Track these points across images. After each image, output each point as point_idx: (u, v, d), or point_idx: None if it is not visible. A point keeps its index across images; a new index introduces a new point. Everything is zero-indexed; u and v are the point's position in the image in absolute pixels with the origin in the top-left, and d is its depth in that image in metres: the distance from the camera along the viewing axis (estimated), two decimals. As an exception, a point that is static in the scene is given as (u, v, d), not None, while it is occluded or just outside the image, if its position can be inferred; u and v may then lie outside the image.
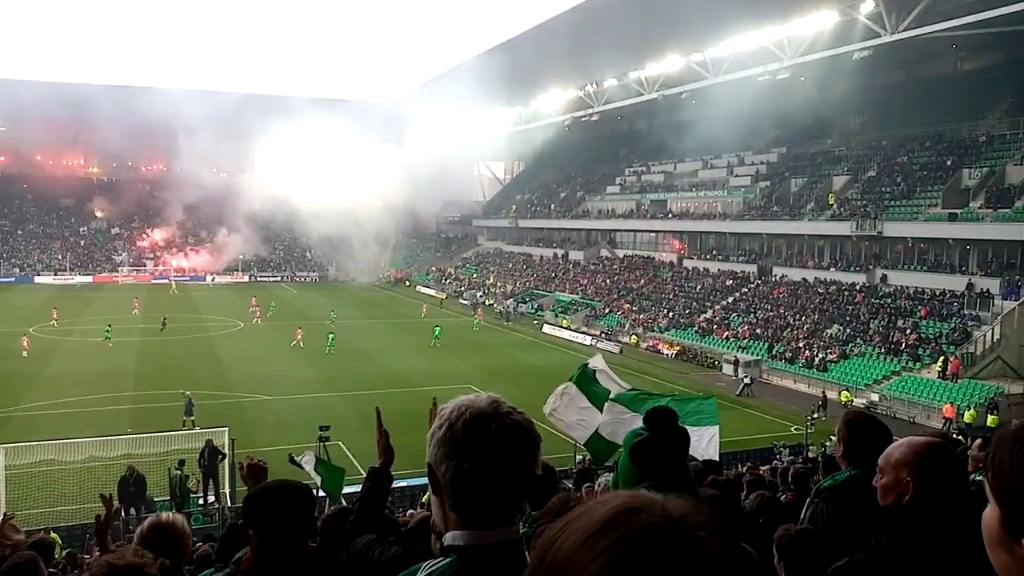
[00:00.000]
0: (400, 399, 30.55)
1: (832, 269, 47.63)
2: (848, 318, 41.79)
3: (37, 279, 78.17)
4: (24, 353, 37.90)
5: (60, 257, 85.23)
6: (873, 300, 42.38)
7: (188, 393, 27.68)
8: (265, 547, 2.53)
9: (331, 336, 42.61)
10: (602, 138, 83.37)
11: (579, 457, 20.70)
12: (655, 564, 0.76)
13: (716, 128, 57.57)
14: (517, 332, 54.01)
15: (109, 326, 44.28)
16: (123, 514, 18.73)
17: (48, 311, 50.36)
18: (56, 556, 9.79)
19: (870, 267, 45.26)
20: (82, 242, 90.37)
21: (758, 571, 0.82)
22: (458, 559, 1.49)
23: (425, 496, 12.02)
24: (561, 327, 54.85)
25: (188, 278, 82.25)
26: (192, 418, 26.03)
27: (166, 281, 78.85)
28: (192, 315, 55.37)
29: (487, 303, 65.51)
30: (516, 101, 76.28)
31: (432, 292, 75.23)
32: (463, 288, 75.05)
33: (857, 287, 44.39)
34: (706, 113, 62.68)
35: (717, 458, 12.70)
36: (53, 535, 11.23)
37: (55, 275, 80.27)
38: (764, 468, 15.62)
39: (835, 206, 49.32)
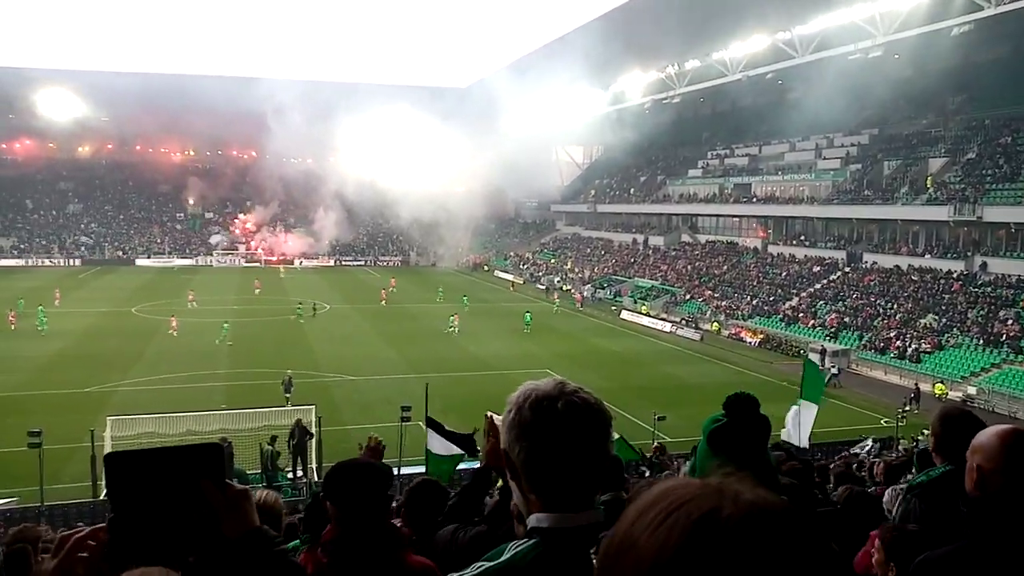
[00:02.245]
0: (478, 382, 31.09)
1: (927, 256, 45.53)
2: (944, 307, 39.92)
3: (137, 262, 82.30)
4: (172, 332, 40.10)
5: (159, 241, 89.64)
6: (971, 289, 40.34)
7: (289, 372, 28.87)
8: (343, 520, 2.67)
9: (451, 317, 44.73)
10: (684, 121, 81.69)
11: (655, 444, 20.57)
12: (692, 524, 0.78)
13: (803, 109, 55.59)
14: (594, 318, 53.79)
15: (300, 303, 47.92)
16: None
17: (151, 293, 53.09)
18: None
19: (968, 254, 43.05)
20: (179, 226, 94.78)
21: (799, 525, 0.80)
22: (541, 541, 1.50)
23: (499, 482, 11.96)
24: (639, 313, 54.33)
25: (277, 262, 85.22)
26: (289, 395, 27.17)
27: (258, 266, 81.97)
28: (291, 297, 57.33)
29: (564, 288, 65.42)
30: (596, 84, 75.46)
31: (510, 277, 75.68)
32: (540, 273, 75.16)
33: (954, 275, 42.32)
34: (793, 94, 60.66)
35: (805, 443, 12.48)
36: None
37: (149, 257, 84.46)
38: (843, 457, 15.23)
39: (931, 189, 47.04)
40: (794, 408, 14.59)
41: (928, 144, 52.89)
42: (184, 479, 1.52)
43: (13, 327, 39.63)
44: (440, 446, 11.11)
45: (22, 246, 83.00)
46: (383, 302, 55.19)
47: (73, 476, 20.08)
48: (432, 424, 11.32)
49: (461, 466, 12.88)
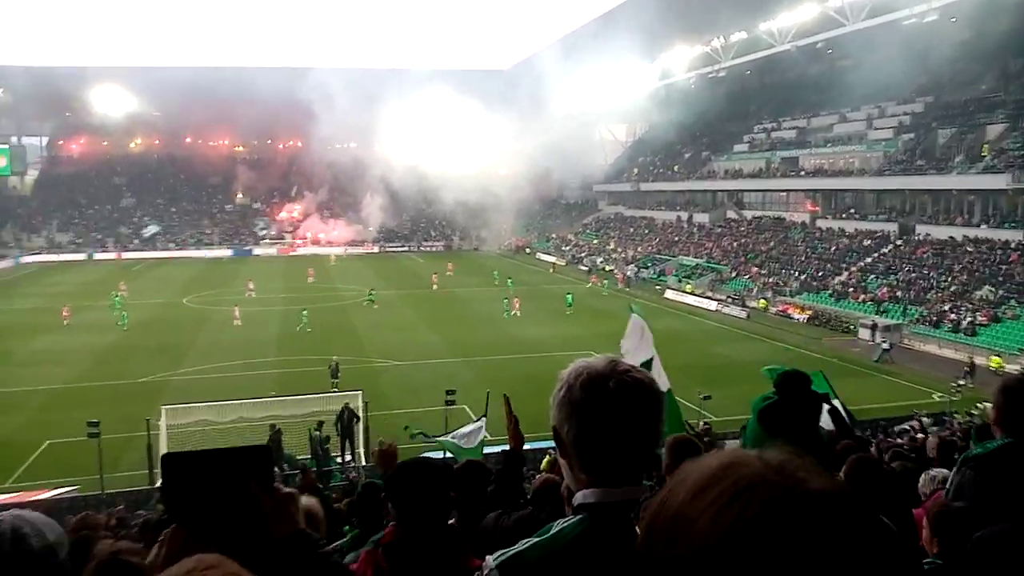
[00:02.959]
0: (522, 365, 31.13)
1: (983, 226, 44.00)
2: (1001, 279, 38.58)
3: (191, 253, 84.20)
4: (236, 322, 40.92)
5: (208, 232, 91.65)
6: (1032, 258, 38.90)
7: (335, 358, 29.33)
8: (405, 522, 2.64)
9: (505, 301, 45.04)
10: (729, 95, 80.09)
11: (703, 423, 20.35)
12: (760, 507, 0.76)
13: (854, 78, 54.08)
14: (638, 298, 53.31)
15: (372, 290, 48.89)
16: (270, 470, 20.15)
17: (202, 283, 54.22)
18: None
19: (1028, 222, 41.49)
20: (228, 217, 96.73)
21: (865, 511, 0.79)
22: (588, 516, 1.51)
23: (543, 462, 12.15)
24: (684, 292, 53.70)
25: (322, 250, 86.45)
26: (337, 380, 27.60)
27: (304, 254, 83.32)
28: (341, 285, 58.17)
29: (606, 268, 64.98)
30: (640, 61, 74.48)
31: (553, 259, 75.50)
32: (583, 254, 74.80)
33: (1012, 245, 40.86)
34: (843, 63, 59.06)
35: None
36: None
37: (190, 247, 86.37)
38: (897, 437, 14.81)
39: (989, 157, 45.36)
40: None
41: (986, 110, 50.95)
42: (234, 480, 1.61)
43: (67, 322, 40.72)
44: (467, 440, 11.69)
45: (79, 240, 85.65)
46: (434, 286, 55.51)
47: (130, 464, 20.72)
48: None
49: (488, 450, 13.15)
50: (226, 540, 1.51)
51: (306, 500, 4.26)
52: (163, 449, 21.22)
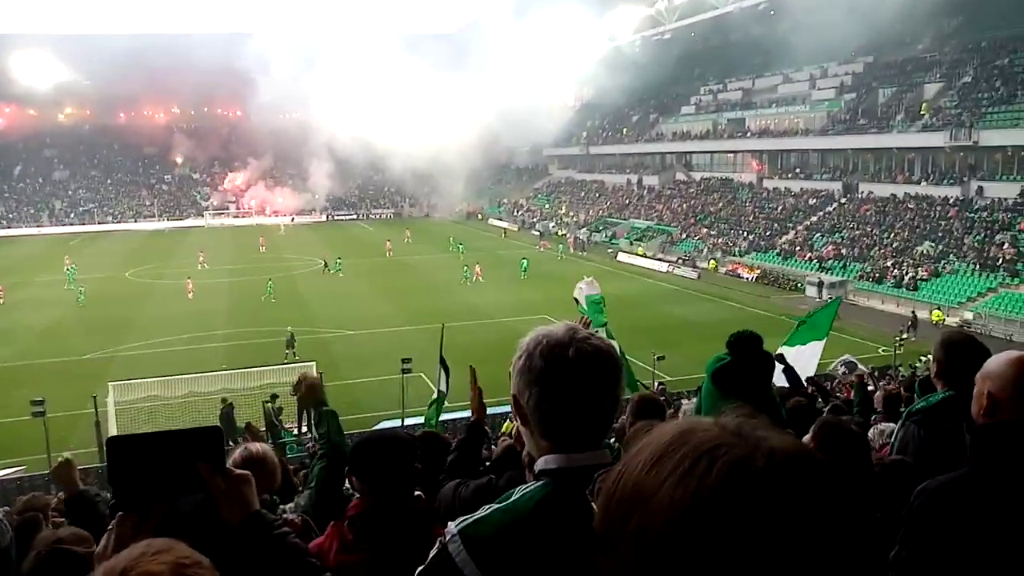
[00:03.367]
0: (478, 331, 31.17)
1: (923, 183, 45.28)
2: (940, 234, 39.88)
3: (128, 226, 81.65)
4: (189, 295, 40.05)
5: (148, 204, 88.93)
6: (968, 214, 40.24)
7: (290, 328, 28.95)
8: (371, 495, 2.63)
9: (465, 268, 44.77)
10: (675, 57, 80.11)
11: (657, 384, 20.71)
12: (721, 470, 0.74)
13: (796, 40, 54.49)
14: (591, 262, 53.73)
15: (339, 258, 47.97)
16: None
17: (144, 257, 52.79)
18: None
19: (964, 179, 42.81)
20: (167, 188, 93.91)
21: (825, 467, 0.78)
22: (551, 482, 1.51)
23: (504, 426, 12.31)
24: (636, 255, 54.27)
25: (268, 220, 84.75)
26: (293, 351, 27.29)
27: (249, 224, 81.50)
28: (292, 255, 57.13)
29: (559, 233, 65.17)
30: (585, 24, 73.96)
31: (504, 224, 75.37)
32: (535, 219, 74.82)
33: (950, 201, 42.18)
34: (785, 24, 59.35)
35: (812, 372, 12.62)
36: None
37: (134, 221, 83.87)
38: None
39: (927, 116, 46.51)
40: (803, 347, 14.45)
41: (923, 69, 52.15)
42: (183, 463, 1.54)
43: (1, 301, 39.19)
44: (442, 382, 11.97)
45: (10, 215, 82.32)
46: (388, 254, 54.95)
47: (78, 442, 20.19)
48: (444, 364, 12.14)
49: (445, 416, 13.26)
50: (177, 525, 1.45)
51: (257, 447, 4.17)
52: (111, 426, 20.76)
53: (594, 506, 1.33)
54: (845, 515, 0.75)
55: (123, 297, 41.07)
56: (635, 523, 0.77)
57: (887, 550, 2.33)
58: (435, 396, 12.61)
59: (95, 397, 19.82)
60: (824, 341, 13.18)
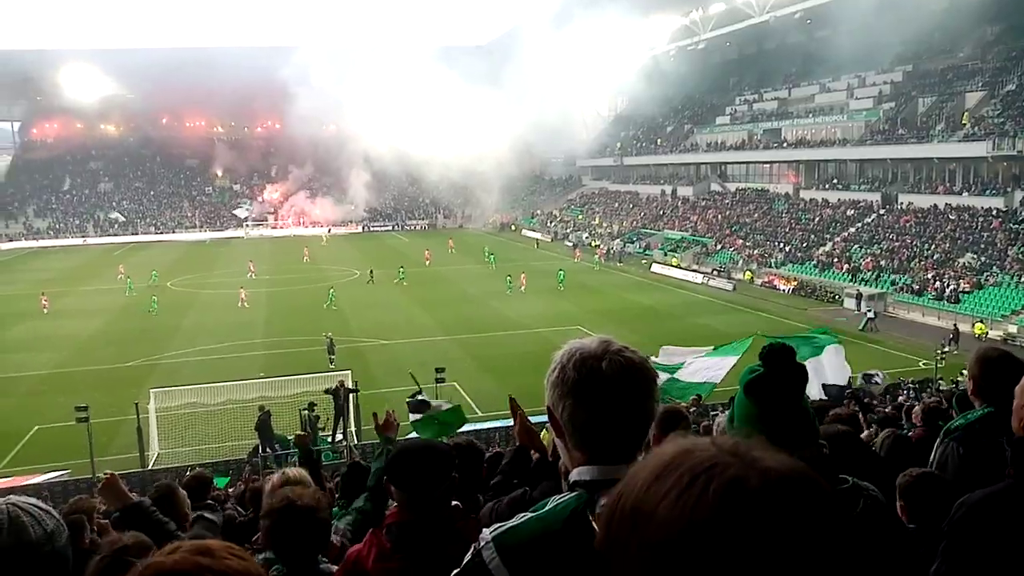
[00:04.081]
0: (512, 342, 31.25)
1: (965, 194, 44.36)
2: (983, 246, 39.01)
3: (171, 236, 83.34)
4: (242, 304, 40.78)
5: (189, 215, 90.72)
6: (1012, 225, 39.31)
7: (329, 334, 29.33)
8: (409, 504, 2.65)
9: (508, 278, 45.08)
10: (710, 67, 79.92)
11: (693, 397, 20.54)
12: (717, 489, 0.75)
13: (833, 48, 53.97)
14: (625, 273, 53.55)
15: (402, 267, 49.22)
16: (260, 451, 20.24)
17: (185, 267, 53.86)
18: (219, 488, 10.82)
19: (1008, 190, 41.87)
20: (208, 199, 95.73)
21: (820, 486, 0.79)
22: (585, 493, 1.52)
23: (541, 434, 12.17)
24: (670, 266, 53.93)
25: (306, 231, 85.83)
26: (333, 356, 27.68)
27: (287, 235, 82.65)
28: (327, 265, 57.89)
29: (592, 244, 65.00)
30: (619, 34, 73.96)
31: (538, 235, 75.46)
32: (568, 231, 74.77)
33: (993, 212, 41.26)
34: (822, 33, 58.91)
35: (850, 372, 12.59)
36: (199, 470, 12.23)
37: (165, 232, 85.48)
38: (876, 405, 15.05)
39: (968, 125, 45.62)
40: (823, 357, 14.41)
41: (964, 78, 51.17)
42: None
43: (45, 310, 40.02)
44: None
45: (57, 226, 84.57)
46: (427, 263, 55.48)
47: (120, 447, 20.71)
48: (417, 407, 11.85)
49: (481, 426, 13.20)
50: None
51: (295, 472, 4.33)
52: (152, 432, 21.22)
53: (595, 526, 1.39)
54: (839, 535, 0.76)
55: (165, 306, 41.89)
56: (635, 541, 0.78)
57: (925, 564, 2.34)
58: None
59: (137, 404, 20.27)
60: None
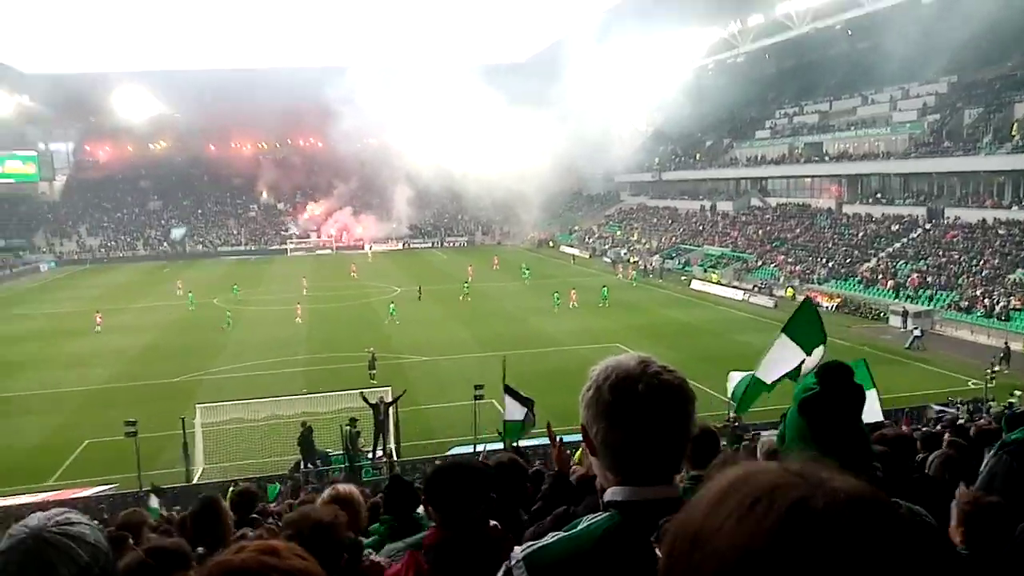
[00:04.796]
0: (550, 359, 31.18)
1: (1015, 208, 43.22)
2: (1035, 261, 37.93)
3: (216, 254, 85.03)
4: (298, 320, 41.72)
5: (235, 233, 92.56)
6: (1065, 240, 38.18)
7: (371, 349, 29.69)
8: (446, 524, 2.66)
9: (556, 295, 44.92)
10: (749, 80, 79.20)
11: (731, 415, 20.28)
12: (781, 512, 0.72)
13: (876, 60, 53.25)
14: (664, 289, 53.15)
15: (467, 283, 50.51)
16: (302, 466, 20.48)
17: (233, 283, 54.74)
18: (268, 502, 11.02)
19: (1061, 203, 40.71)
20: (253, 217, 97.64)
21: (891, 510, 0.75)
22: (618, 513, 1.51)
23: (576, 455, 12.18)
24: (710, 282, 53.41)
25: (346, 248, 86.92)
26: (374, 372, 28.02)
27: (329, 252, 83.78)
28: (370, 281, 58.59)
29: (630, 260, 64.65)
30: (656, 49, 73.89)
31: (575, 251, 75.35)
32: (607, 246, 74.52)
33: (1046, 226, 40.13)
34: (864, 44, 58.15)
35: (881, 418, 12.12)
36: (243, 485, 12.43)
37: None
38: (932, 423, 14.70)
39: (1018, 137, 44.51)
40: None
41: (1013, 88, 49.97)
42: None
43: (98, 328, 40.76)
44: (514, 409, 11.88)
45: (110, 244, 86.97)
46: (470, 279, 55.50)
47: (167, 462, 21.13)
48: (509, 391, 12.11)
49: (527, 443, 13.21)
50: None
51: (345, 488, 4.41)
52: (198, 447, 21.61)
53: (657, 551, 1.39)
54: (910, 561, 0.73)
55: (210, 323, 42.72)
56: (695, 566, 0.76)
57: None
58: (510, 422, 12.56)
59: (183, 419, 20.69)
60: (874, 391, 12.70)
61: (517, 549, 1.53)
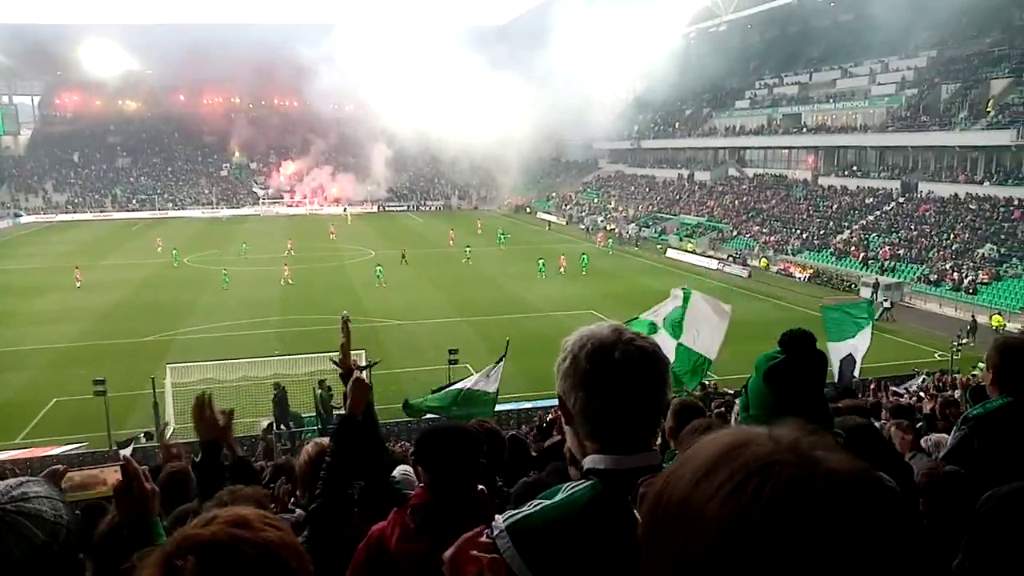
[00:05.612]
0: (525, 324, 31.25)
1: (987, 183, 43.80)
2: (1003, 236, 38.55)
3: (187, 212, 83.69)
4: (285, 281, 41.32)
5: (206, 192, 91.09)
6: (1034, 216, 38.80)
7: (345, 312, 29.44)
8: (434, 486, 2.65)
9: (541, 261, 44.34)
10: (730, 50, 78.95)
11: (706, 382, 20.50)
12: (774, 490, 0.70)
13: (857, 33, 53.26)
14: (640, 257, 53.35)
15: (468, 247, 49.82)
16: (275, 427, 20.43)
17: (202, 243, 54.15)
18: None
19: (1032, 180, 41.28)
20: (225, 176, 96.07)
21: (890, 492, 0.74)
22: (599, 482, 1.51)
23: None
24: (685, 251, 53.69)
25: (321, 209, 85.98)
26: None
27: (303, 213, 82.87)
28: (348, 245, 58.05)
29: (607, 228, 64.71)
30: (637, 15, 73.20)
31: (552, 218, 75.25)
32: (583, 214, 74.50)
33: (1015, 202, 40.72)
34: (845, 17, 58.04)
35: (859, 358, 12.33)
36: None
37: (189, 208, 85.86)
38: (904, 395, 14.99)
39: (993, 113, 44.93)
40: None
41: (990, 65, 50.31)
42: None
43: (79, 284, 40.17)
44: (489, 380, 11.34)
45: (77, 200, 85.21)
46: (450, 243, 55.41)
47: (137, 422, 20.96)
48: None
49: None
50: None
51: (327, 442, 4.37)
52: (168, 407, 21.45)
53: (636, 514, 1.36)
54: (909, 546, 0.71)
55: (182, 282, 42.19)
56: (679, 538, 0.74)
57: (943, 560, 2.32)
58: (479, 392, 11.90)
59: (153, 378, 20.49)
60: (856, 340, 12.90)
61: (499, 518, 1.52)
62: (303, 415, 21.41)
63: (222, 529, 1.15)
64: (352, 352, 3.86)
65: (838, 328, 12.94)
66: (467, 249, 49.84)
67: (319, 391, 20.91)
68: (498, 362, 11.95)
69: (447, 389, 12.21)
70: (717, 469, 0.74)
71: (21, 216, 77.10)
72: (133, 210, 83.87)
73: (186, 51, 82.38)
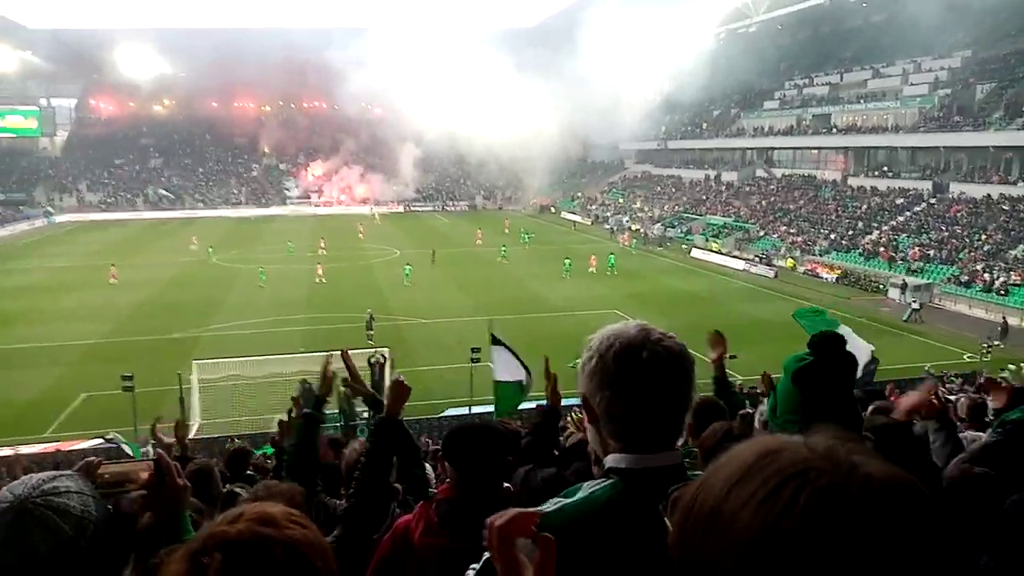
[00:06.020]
0: (550, 324, 31.20)
1: (1020, 184, 42.93)
2: (1038, 238, 37.78)
3: (217, 212, 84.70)
4: (320, 279, 41.72)
5: (236, 192, 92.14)
6: (1070, 218, 37.97)
7: (370, 310, 29.71)
8: (460, 482, 2.68)
9: (567, 260, 44.41)
10: (760, 50, 78.14)
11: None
12: (809, 497, 0.68)
13: (889, 33, 52.55)
14: (665, 257, 53.05)
15: (504, 246, 50.48)
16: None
17: (231, 242, 54.72)
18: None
19: (1068, 181, 40.41)
20: (255, 177, 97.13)
21: (928, 499, 0.71)
22: (620, 481, 1.50)
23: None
24: (711, 251, 53.28)
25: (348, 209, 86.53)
26: (371, 332, 28.04)
27: (330, 213, 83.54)
28: (374, 244, 58.48)
29: (632, 228, 64.42)
30: (667, 15, 72.83)
31: (577, 218, 75.08)
32: (609, 214, 74.24)
33: (1051, 204, 39.90)
34: (878, 16, 57.26)
35: (868, 355, 12.04)
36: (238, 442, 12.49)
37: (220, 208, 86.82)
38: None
39: (1029, 113, 44.07)
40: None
41: (1026, 64, 49.36)
42: None
43: (114, 281, 40.74)
44: (504, 369, 10.37)
45: (109, 200, 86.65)
46: (478, 241, 55.94)
47: (164, 417, 21.18)
48: (497, 342, 10.50)
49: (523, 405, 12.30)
50: None
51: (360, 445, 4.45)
52: (195, 403, 21.72)
53: (667, 521, 1.35)
54: (945, 553, 0.69)
55: (210, 280, 42.70)
56: (710, 548, 0.72)
57: (971, 561, 2.26)
58: (506, 383, 11.10)
59: (180, 374, 20.74)
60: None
61: (545, 505, 1.50)
62: (327, 412, 21.53)
63: (248, 527, 1.15)
64: (374, 349, 3.93)
65: (814, 328, 12.61)
66: (503, 248, 50.00)
67: (343, 389, 20.95)
68: (497, 347, 10.96)
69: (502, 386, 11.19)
70: (750, 476, 0.73)
71: (53, 215, 78.46)
72: (164, 209, 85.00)
73: (218, 54, 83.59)
